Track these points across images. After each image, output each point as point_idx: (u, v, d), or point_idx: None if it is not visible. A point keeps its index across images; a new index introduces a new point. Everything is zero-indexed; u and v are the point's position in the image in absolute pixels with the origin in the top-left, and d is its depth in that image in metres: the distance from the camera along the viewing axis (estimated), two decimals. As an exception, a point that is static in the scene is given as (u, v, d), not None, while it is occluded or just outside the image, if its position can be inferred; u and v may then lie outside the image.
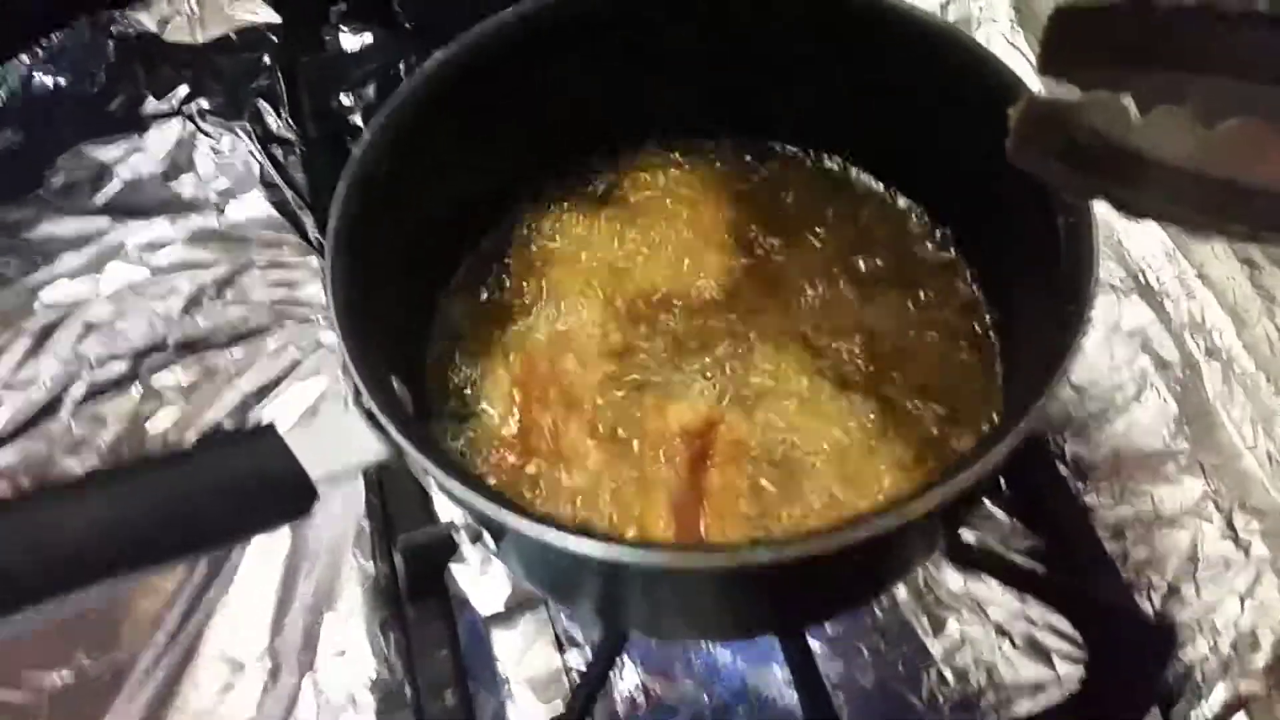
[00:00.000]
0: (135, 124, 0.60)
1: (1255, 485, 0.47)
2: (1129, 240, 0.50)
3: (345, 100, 0.61)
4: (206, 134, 0.60)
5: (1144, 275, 0.50)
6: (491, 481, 0.40)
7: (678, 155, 0.49)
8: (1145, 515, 0.47)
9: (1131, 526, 0.47)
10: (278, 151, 0.59)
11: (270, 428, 0.32)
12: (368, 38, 0.63)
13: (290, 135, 0.60)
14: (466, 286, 0.46)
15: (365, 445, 0.33)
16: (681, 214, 0.48)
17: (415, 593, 0.45)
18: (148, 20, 0.64)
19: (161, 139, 0.60)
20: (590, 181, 0.49)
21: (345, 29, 0.64)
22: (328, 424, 0.36)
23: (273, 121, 0.60)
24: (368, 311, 0.37)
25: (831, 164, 0.48)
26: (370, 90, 0.62)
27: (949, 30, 0.43)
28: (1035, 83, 0.35)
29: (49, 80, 0.62)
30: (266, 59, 0.63)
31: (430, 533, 0.45)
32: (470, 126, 0.44)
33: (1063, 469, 0.48)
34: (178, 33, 0.64)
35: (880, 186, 0.47)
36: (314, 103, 0.59)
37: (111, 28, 0.64)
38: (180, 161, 0.59)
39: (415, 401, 0.39)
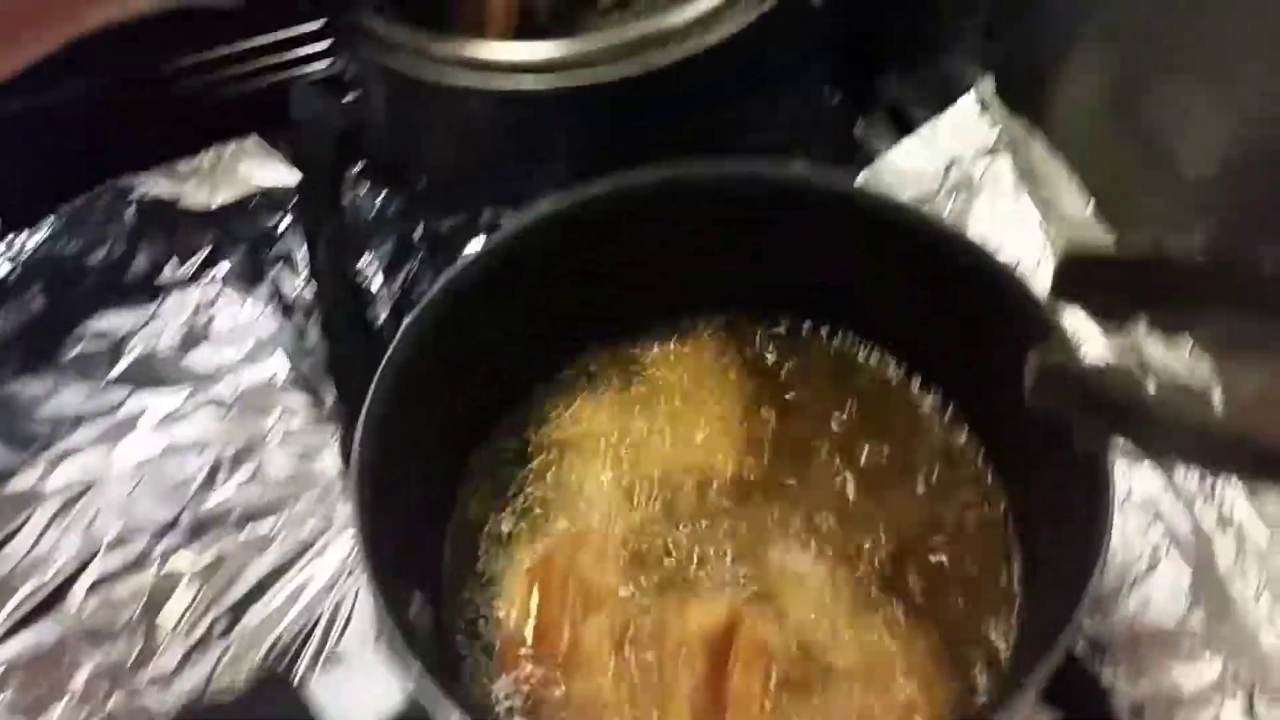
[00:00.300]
0: (153, 291, 0.61)
1: (1274, 665, 0.46)
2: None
3: (364, 265, 0.61)
4: (224, 301, 0.61)
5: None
6: (510, 692, 0.40)
7: (694, 332, 0.50)
8: (1165, 694, 0.47)
9: (1152, 706, 0.46)
10: (296, 316, 0.60)
11: (285, 682, 0.32)
12: (385, 202, 0.64)
13: (309, 299, 0.60)
14: (483, 478, 0.46)
15: (388, 693, 0.33)
16: (699, 395, 0.48)
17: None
18: (167, 185, 0.65)
19: (179, 306, 0.61)
20: (606, 360, 0.49)
21: (362, 191, 0.65)
22: (346, 673, 0.37)
23: (291, 287, 0.61)
24: (389, 526, 0.38)
25: (848, 344, 0.49)
26: (388, 252, 0.62)
27: (973, 245, 0.43)
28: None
29: (68, 247, 0.63)
30: (284, 222, 0.64)
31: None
32: (499, 317, 0.45)
33: (1080, 646, 0.48)
34: (196, 197, 0.65)
35: (900, 371, 0.48)
36: (333, 268, 0.60)
37: (131, 192, 0.65)
38: (198, 329, 0.60)
39: (434, 615, 0.39)
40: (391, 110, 0.55)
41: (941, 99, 0.60)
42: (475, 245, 0.63)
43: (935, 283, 0.44)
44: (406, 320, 0.41)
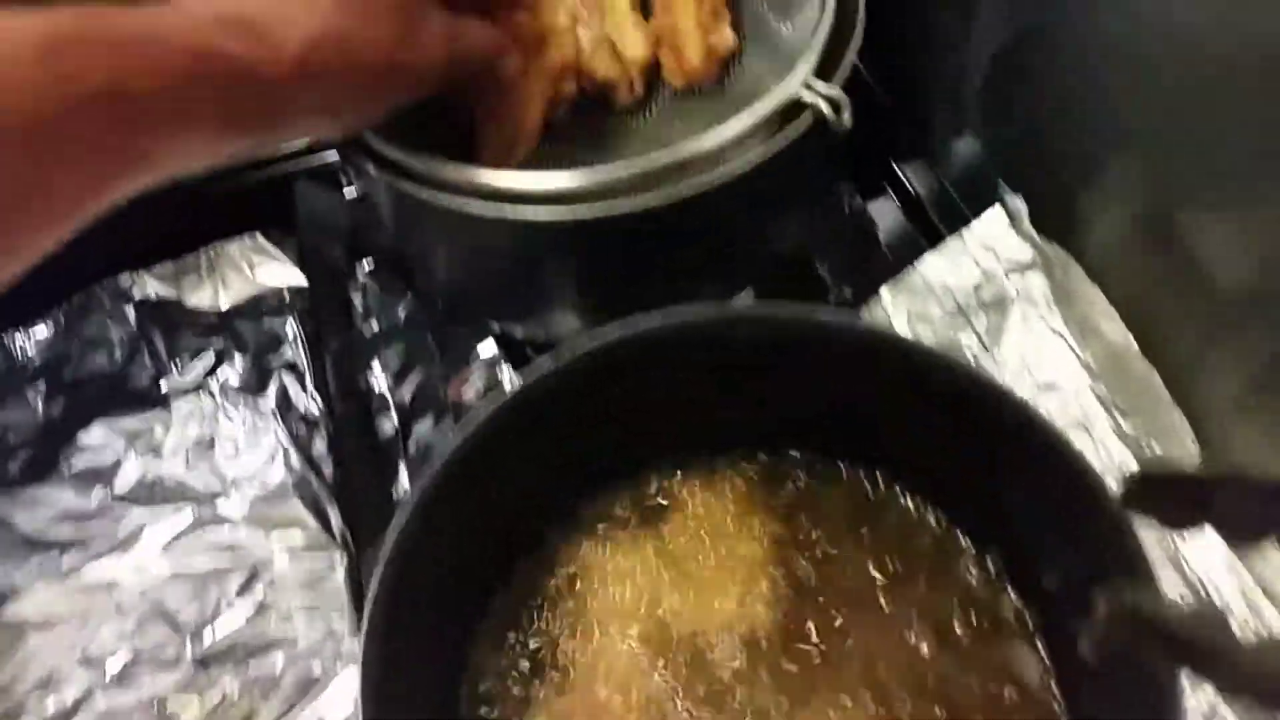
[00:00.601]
0: (156, 400, 0.60)
1: None
2: (1187, 550, 0.48)
3: (373, 376, 0.60)
4: (229, 411, 0.59)
5: (1204, 588, 0.49)
6: None
7: (714, 472, 0.48)
8: None
9: None
10: (302, 428, 0.58)
11: None
12: (393, 303, 0.62)
13: (316, 411, 0.58)
14: (495, 636, 0.44)
15: None
16: (719, 539, 0.46)
17: None
18: (168, 284, 0.63)
19: (183, 416, 0.59)
20: (625, 503, 0.47)
21: (370, 292, 0.63)
22: None
23: (297, 398, 0.59)
24: (397, 692, 0.36)
25: (873, 483, 0.47)
26: (396, 359, 0.61)
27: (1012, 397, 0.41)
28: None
29: (69, 349, 0.61)
30: (290, 327, 0.62)
31: None
32: (514, 468, 0.43)
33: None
34: (199, 297, 0.63)
35: (935, 517, 0.46)
36: (341, 381, 0.58)
37: (132, 291, 0.63)
38: (202, 442, 0.58)
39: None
40: (399, 228, 0.53)
41: (969, 200, 0.59)
42: (485, 348, 0.61)
43: (976, 435, 0.41)
44: (420, 482, 0.39)
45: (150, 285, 0.63)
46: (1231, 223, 0.48)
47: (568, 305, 0.52)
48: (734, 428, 0.47)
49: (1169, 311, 0.52)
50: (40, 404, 0.60)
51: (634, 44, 0.57)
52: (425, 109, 0.51)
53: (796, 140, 0.47)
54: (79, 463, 0.58)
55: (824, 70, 0.48)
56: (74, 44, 0.31)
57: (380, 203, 0.51)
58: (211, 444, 0.58)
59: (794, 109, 0.47)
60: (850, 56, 0.48)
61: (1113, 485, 0.36)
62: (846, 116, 0.47)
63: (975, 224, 0.55)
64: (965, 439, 0.42)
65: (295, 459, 0.57)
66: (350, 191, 0.63)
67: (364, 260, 0.65)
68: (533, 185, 0.45)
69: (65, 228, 0.35)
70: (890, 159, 0.65)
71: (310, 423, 0.58)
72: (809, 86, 0.47)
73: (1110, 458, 0.51)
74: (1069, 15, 0.51)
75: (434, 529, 0.39)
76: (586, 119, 0.58)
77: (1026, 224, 0.55)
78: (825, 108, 0.46)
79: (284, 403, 0.59)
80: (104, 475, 0.57)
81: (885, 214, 0.63)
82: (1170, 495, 0.29)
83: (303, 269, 0.63)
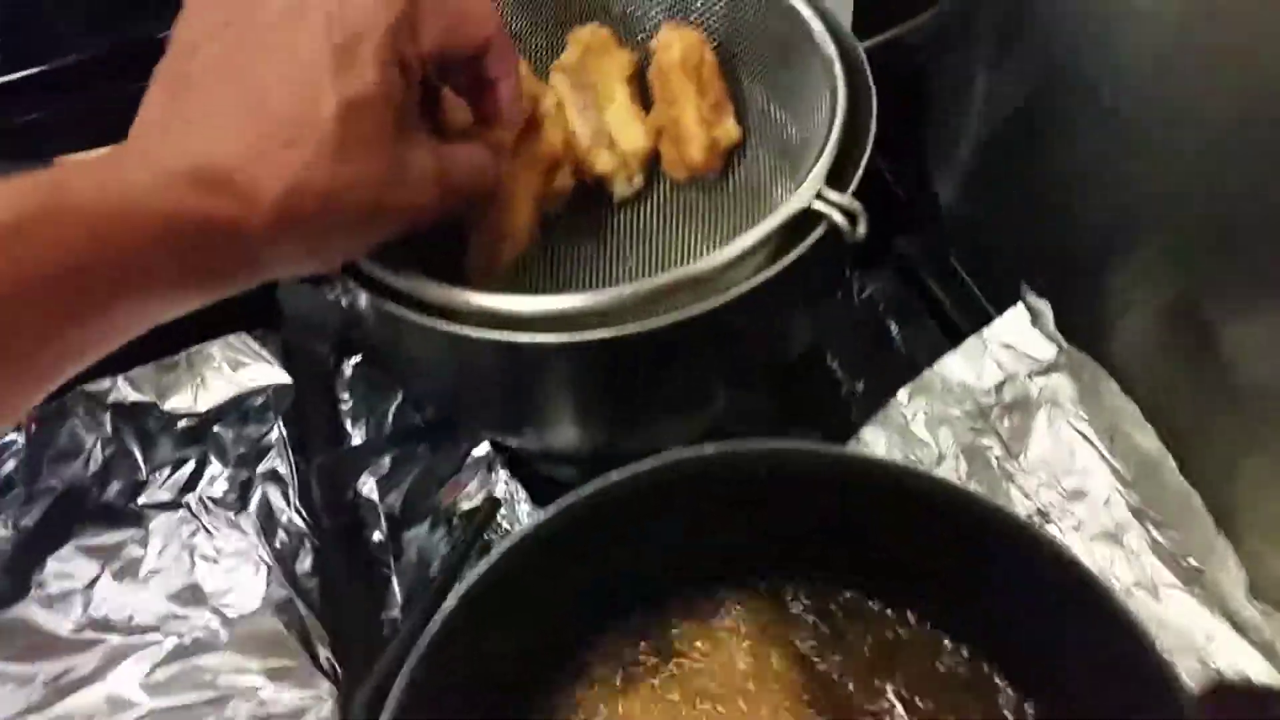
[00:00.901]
0: (132, 517, 0.56)
1: None
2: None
3: (361, 483, 0.56)
4: (209, 527, 0.56)
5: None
6: None
7: (730, 605, 0.45)
8: None
9: None
10: (286, 546, 0.55)
11: None
12: (381, 406, 0.59)
13: (301, 525, 0.55)
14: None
15: None
16: (739, 680, 0.43)
17: None
18: (146, 387, 0.60)
19: (162, 533, 0.56)
20: (637, 643, 0.44)
21: (357, 394, 0.60)
22: None
23: (281, 511, 0.56)
24: None
25: (903, 619, 0.44)
26: (385, 467, 0.58)
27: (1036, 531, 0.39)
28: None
29: (39, 460, 0.58)
30: (274, 434, 0.59)
31: None
32: (519, 616, 0.40)
33: None
34: (178, 400, 0.60)
35: (963, 652, 0.43)
36: (327, 494, 0.55)
37: (108, 395, 0.60)
38: (181, 562, 0.55)
39: None
40: (385, 342, 0.50)
41: (989, 295, 0.56)
42: (479, 449, 0.58)
43: (1002, 573, 0.39)
44: (422, 639, 0.36)
45: (127, 389, 0.59)
46: (1263, 319, 0.45)
47: (566, 421, 0.49)
48: (753, 561, 0.44)
49: (1201, 417, 0.49)
50: (8, 523, 0.56)
51: (633, 137, 0.54)
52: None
53: (810, 250, 0.44)
54: (50, 586, 0.54)
55: (836, 171, 0.46)
56: (39, 224, 0.29)
57: (365, 316, 0.48)
58: (191, 564, 0.55)
59: (806, 218, 0.44)
60: (864, 162, 0.46)
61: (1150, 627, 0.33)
62: (862, 228, 0.44)
63: (996, 323, 0.53)
64: (988, 574, 0.39)
65: (280, 580, 0.54)
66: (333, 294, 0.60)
67: (351, 357, 0.62)
68: (528, 309, 0.43)
69: (32, 394, 0.32)
70: (907, 252, 0.62)
71: (295, 538, 0.55)
72: (822, 196, 0.44)
73: (1144, 572, 0.48)
74: (1080, 100, 0.49)
75: (442, 673, 0.36)
76: (584, 211, 0.56)
77: (1050, 324, 0.52)
78: (840, 218, 0.44)
79: (267, 518, 0.56)
80: (77, 600, 0.54)
81: (900, 307, 0.60)
82: (1248, 709, 0.26)
83: (287, 369, 0.60)
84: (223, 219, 0.32)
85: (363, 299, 0.45)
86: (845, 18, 0.66)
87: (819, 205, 0.44)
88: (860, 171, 0.46)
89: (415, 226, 0.40)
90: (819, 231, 0.44)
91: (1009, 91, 0.55)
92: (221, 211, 0.32)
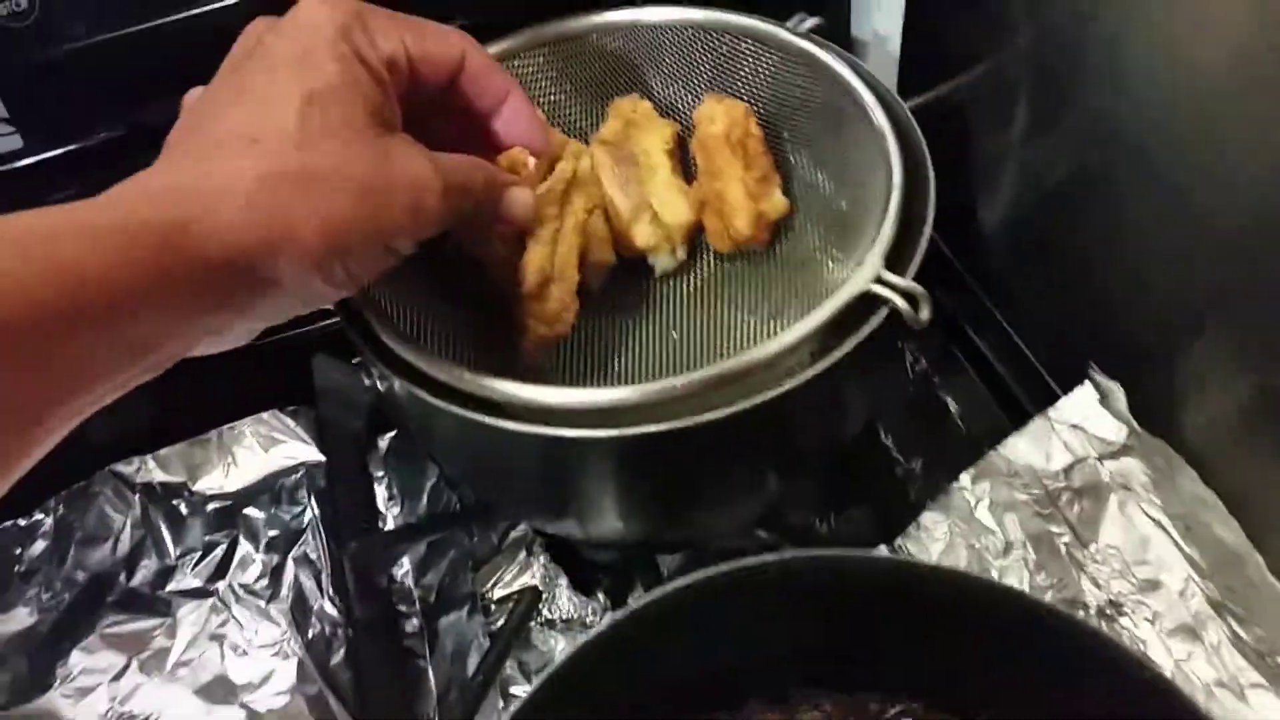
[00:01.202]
0: (160, 605, 0.55)
1: None
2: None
3: (396, 567, 0.54)
4: (239, 615, 0.54)
5: None
6: None
7: (806, 707, 0.42)
8: None
9: None
10: (319, 636, 0.53)
11: None
12: (419, 490, 0.57)
13: (334, 615, 0.53)
14: None
15: None
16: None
17: None
18: (177, 467, 0.59)
19: (189, 623, 0.54)
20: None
21: (392, 471, 0.58)
22: None
23: (313, 598, 0.54)
24: None
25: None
26: (420, 550, 0.55)
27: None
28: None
29: (66, 545, 0.56)
30: (309, 513, 0.57)
31: None
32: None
33: None
34: (209, 480, 0.59)
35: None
36: (360, 583, 0.52)
37: (137, 476, 0.58)
38: (210, 654, 0.53)
39: None
40: (421, 430, 0.48)
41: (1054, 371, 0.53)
42: (517, 532, 0.56)
43: (1080, 684, 0.36)
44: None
45: (156, 470, 0.58)
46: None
47: (610, 513, 0.47)
48: (823, 660, 0.42)
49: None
50: (34, 610, 0.55)
51: (677, 210, 0.53)
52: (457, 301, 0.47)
53: (870, 338, 0.41)
54: (76, 679, 0.53)
55: (895, 251, 0.43)
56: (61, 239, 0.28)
57: (401, 403, 0.46)
58: (221, 656, 0.53)
59: (865, 302, 0.42)
60: (924, 241, 0.43)
61: None
62: (926, 312, 0.41)
63: (1063, 402, 0.50)
64: (1063, 682, 0.36)
65: (311, 673, 0.52)
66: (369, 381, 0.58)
67: (386, 433, 0.60)
68: (573, 402, 0.40)
69: (57, 428, 0.31)
70: (959, 320, 0.60)
71: (328, 627, 0.53)
72: (882, 280, 0.42)
73: (1225, 669, 0.46)
74: (1133, 164, 0.46)
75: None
76: (625, 285, 0.54)
77: (1120, 404, 0.49)
78: (902, 303, 0.41)
79: (299, 606, 0.54)
80: (103, 694, 0.52)
81: (956, 380, 0.58)
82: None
83: (320, 446, 0.58)
84: (187, 220, 0.30)
85: (397, 386, 0.43)
86: (890, 77, 0.64)
87: (879, 289, 0.42)
88: (920, 252, 0.43)
89: (421, 233, 0.37)
90: (879, 317, 0.42)
91: (1058, 153, 0.53)
92: (184, 212, 0.30)
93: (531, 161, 0.43)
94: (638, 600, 0.35)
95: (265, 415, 0.59)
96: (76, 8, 0.49)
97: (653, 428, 0.40)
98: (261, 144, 0.33)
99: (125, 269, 0.29)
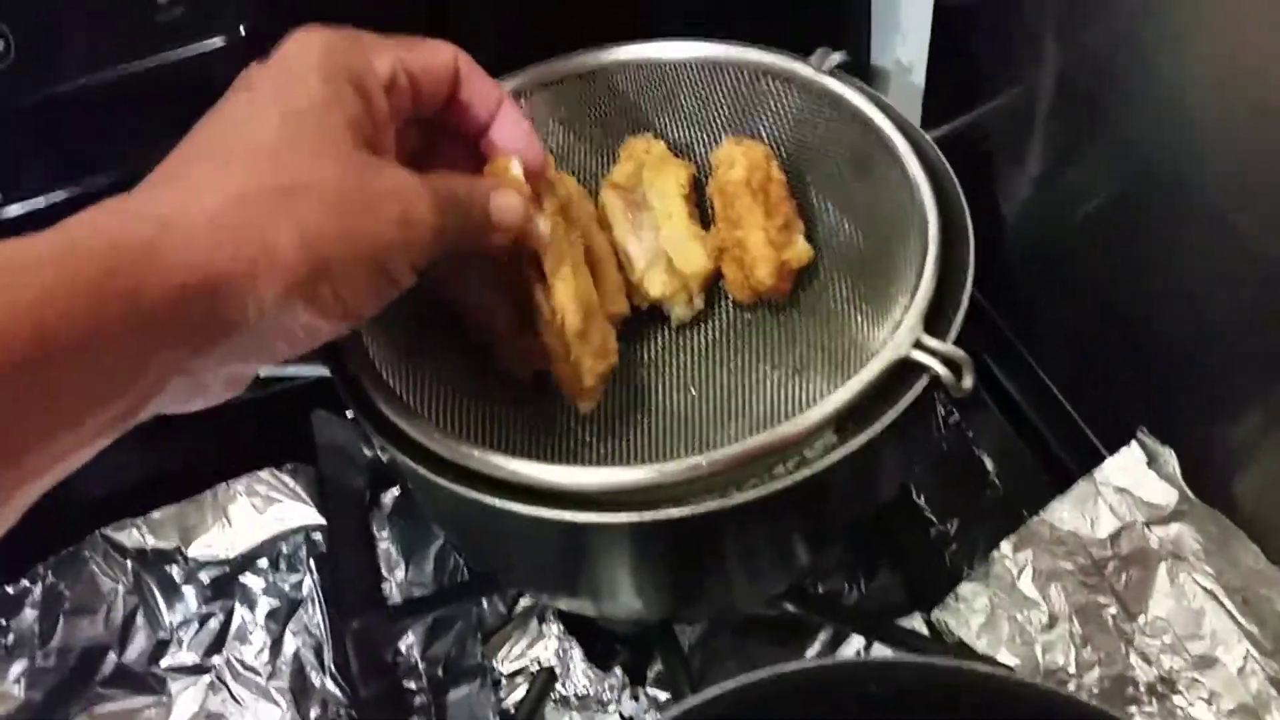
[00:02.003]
0: (154, 683, 0.52)
1: None
2: None
3: (402, 640, 0.51)
4: (236, 699, 0.51)
5: None
6: None
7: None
8: None
9: None
10: (320, 715, 0.50)
11: None
12: (424, 556, 0.54)
13: (337, 694, 0.50)
14: None
15: None
16: None
17: None
18: (169, 531, 0.56)
19: (185, 703, 0.51)
20: None
21: (395, 534, 0.55)
22: None
23: (314, 674, 0.51)
24: None
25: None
26: (427, 621, 0.53)
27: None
28: None
29: (54, 619, 0.54)
30: (308, 582, 0.54)
31: None
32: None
33: None
34: (204, 545, 0.56)
35: None
36: (365, 660, 0.50)
37: (128, 541, 0.56)
38: (206, 737, 0.50)
39: None
40: (428, 507, 0.46)
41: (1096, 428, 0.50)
42: (528, 600, 0.53)
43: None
44: None
45: (148, 535, 0.55)
46: None
47: (627, 593, 0.44)
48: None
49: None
50: (23, 685, 0.52)
51: (694, 258, 0.50)
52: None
53: (910, 409, 0.38)
54: (64, 763, 0.50)
55: (933, 313, 0.40)
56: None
57: (403, 473, 0.43)
58: (217, 739, 0.50)
59: (903, 368, 0.39)
60: (964, 302, 0.40)
61: None
62: (968, 380, 0.38)
63: (1108, 464, 0.47)
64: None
65: (315, 760, 0.49)
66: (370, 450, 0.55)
67: (389, 491, 0.57)
68: (586, 483, 0.37)
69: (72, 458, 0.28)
70: (985, 359, 0.57)
71: (331, 708, 0.50)
72: (921, 345, 0.39)
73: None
74: (1173, 202, 0.44)
75: None
76: (639, 335, 0.51)
77: (1170, 467, 0.46)
78: (943, 370, 0.38)
79: (299, 684, 0.51)
80: (92, 781, 0.49)
81: (989, 432, 0.55)
82: None
83: (320, 507, 0.55)
84: (146, 241, 0.28)
85: (401, 459, 0.40)
86: (914, 106, 0.61)
87: (919, 355, 0.39)
88: (961, 313, 0.40)
89: (414, 251, 0.34)
90: (920, 385, 0.39)
91: (1092, 183, 0.50)
92: (143, 233, 0.28)
93: (516, 167, 0.40)
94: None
95: (262, 473, 0.57)
96: (54, 51, 0.46)
97: (676, 512, 0.37)
98: (234, 161, 0.31)
99: (65, 298, 0.26)
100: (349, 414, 0.56)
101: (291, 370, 0.42)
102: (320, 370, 0.42)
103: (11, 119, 0.47)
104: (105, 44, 0.47)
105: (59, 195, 0.50)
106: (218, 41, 0.47)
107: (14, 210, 0.50)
